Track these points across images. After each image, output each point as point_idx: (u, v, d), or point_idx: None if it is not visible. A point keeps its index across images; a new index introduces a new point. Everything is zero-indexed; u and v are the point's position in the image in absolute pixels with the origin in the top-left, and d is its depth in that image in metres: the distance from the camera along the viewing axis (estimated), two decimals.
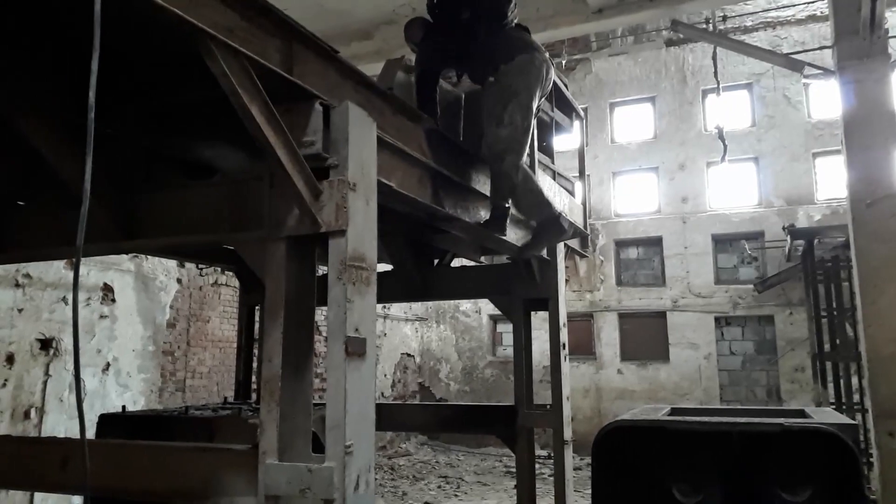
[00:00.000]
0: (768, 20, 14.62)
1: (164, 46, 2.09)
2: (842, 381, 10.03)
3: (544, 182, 5.03)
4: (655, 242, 14.78)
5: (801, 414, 3.04)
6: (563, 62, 15.13)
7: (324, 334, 2.26)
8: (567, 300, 5.18)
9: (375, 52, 7.99)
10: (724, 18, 12.15)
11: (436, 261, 5.51)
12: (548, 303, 4.71)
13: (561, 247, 4.87)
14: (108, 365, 7.30)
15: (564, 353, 4.68)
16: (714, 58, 10.67)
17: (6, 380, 6.19)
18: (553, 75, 4.03)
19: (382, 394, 13.66)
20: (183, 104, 2.62)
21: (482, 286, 5.09)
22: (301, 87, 2.23)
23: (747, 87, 14.72)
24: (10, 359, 6.23)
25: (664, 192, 14.99)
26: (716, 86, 11.64)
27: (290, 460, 2.14)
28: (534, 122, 3.88)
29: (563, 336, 4.68)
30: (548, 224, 3.74)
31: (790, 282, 13.11)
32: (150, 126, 2.75)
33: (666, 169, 15.03)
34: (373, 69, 8.59)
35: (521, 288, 4.79)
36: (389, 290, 5.21)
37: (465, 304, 15.52)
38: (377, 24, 7.87)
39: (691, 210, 14.55)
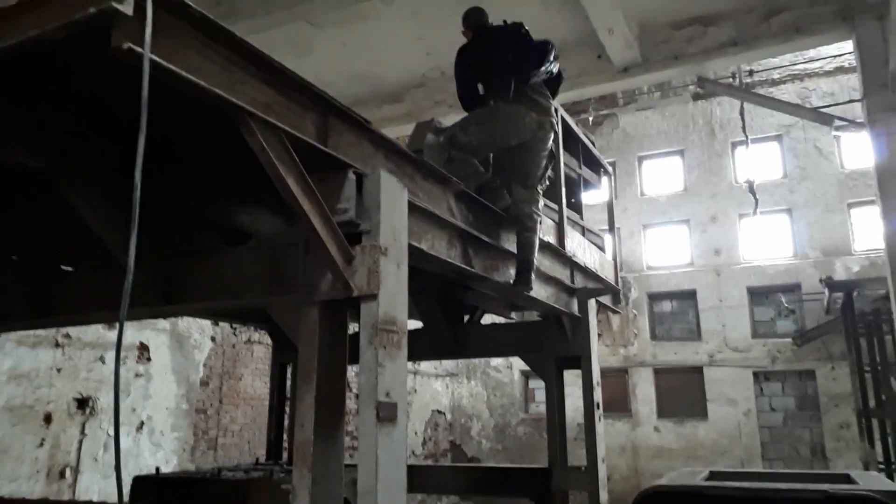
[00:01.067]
0: (795, 73, 14.68)
1: (205, 120, 2.19)
2: (889, 440, 9.61)
3: (573, 238, 5.05)
4: (689, 295, 14.57)
5: (847, 479, 2.93)
6: (590, 118, 15.32)
7: (354, 389, 2.29)
8: (600, 355, 5.11)
9: (406, 114, 8.22)
10: (751, 73, 12.25)
11: (466, 317, 5.52)
12: (580, 361, 4.66)
13: (593, 303, 4.85)
14: (142, 424, 7.36)
15: (599, 412, 4.60)
16: (741, 112, 10.71)
17: (43, 439, 6.28)
18: (552, 133, 4.12)
19: (413, 452, 13.46)
20: (222, 172, 2.73)
21: (513, 343, 5.07)
22: (335, 157, 2.31)
23: (777, 138, 14.69)
24: (48, 418, 6.33)
25: (696, 244, 14.85)
26: (745, 138, 11.65)
27: None
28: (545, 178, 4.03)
29: (597, 395, 4.61)
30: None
31: (830, 335, 12.75)
32: (191, 193, 2.86)
33: (697, 221, 14.92)
34: (403, 130, 8.84)
35: (553, 345, 4.76)
36: (420, 347, 5.22)
37: (497, 360, 15.37)
38: (407, 87, 8.11)
39: (725, 262, 14.37)
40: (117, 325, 1.77)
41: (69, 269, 3.17)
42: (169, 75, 1.71)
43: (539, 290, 4.20)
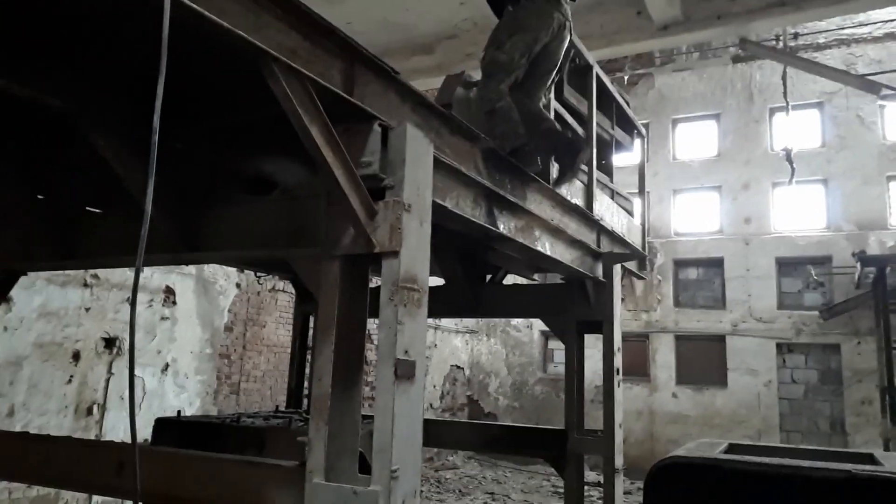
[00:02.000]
0: (842, 38, 14.08)
1: (228, 65, 2.13)
2: None
3: (602, 202, 4.94)
4: (716, 263, 14.36)
5: (870, 459, 2.87)
6: (626, 77, 14.94)
7: (375, 341, 2.27)
8: (622, 320, 5.06)
9: (436, 66, 8.04)
10: (796, 36, 11.78)
11: (488, 277, 5.48)
12: (602, 326, 4.61)
13: (618, 268, 4.77)
14: (166, 366, 7.52)
15: (618, 378, 4.57)
16: (784, 77, 10.32)
17: (72, 376, 6.45)
18: (568, 42, 3.98)
19: (431, 405, 13.66)
20: (247, 121, 2.68)
21: (534, 306, 5.03)
22: (361, 108, 2.25)
23: (818, 105, 14.21)
24: (77, 356, 6.49)
25: (727, 212, 14.57)
26: (784, 104, 11.28)
27: (337, 480, 2.14)
28: (524, 63, 3.80)
29: (618, 361, 4.56)
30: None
31: (859, 310, 12.52)
32: (215, 141, 2.82)
33: (729, 188, 14.61)
34: (433, 83, 8.68)
35: (575, 309, 4.70)
36: (441, 305, 5.20)
37: (517, 319, 15.40)
38: (440, 38, 7.92)
39: (755, 231, 14.09)
40: (147, 266, 1.76)
41: (96, 210, 3.18)
42: (191, 14, 1.65)
43: (564, 253, 4.13)
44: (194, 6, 1.64)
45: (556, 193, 3.97)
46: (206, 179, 2.92)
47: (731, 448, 3.02)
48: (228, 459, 2.55)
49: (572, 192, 4.40)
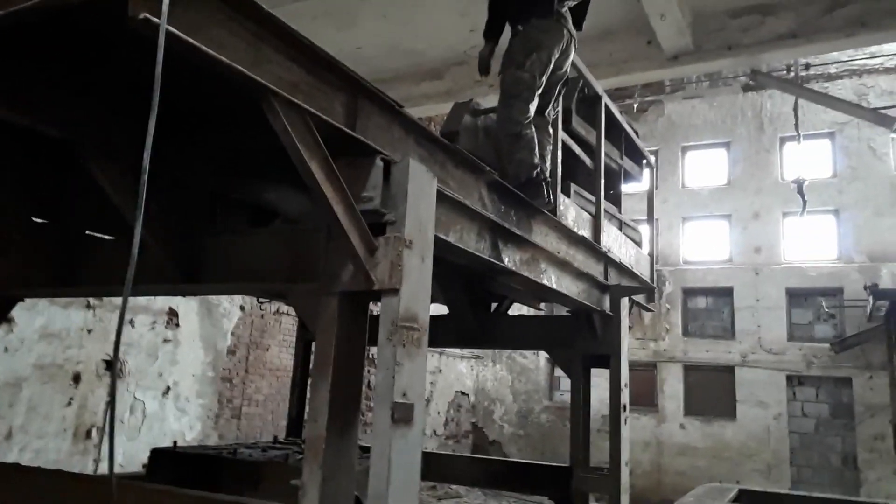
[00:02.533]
0: (854, 68, 14.05)
1: (232, 97, 2.09)
2: None
3: (610, 233, 4.88)
4: (726, 293, 14.21)
5: None
6: (635, 104, 14.94)
7: (374, 367, 2.19)
8: (630, 348, 4.95)
9: (445, 92, 8.04)
10: (807, 66, 11.76)
11: (494, 306, 5.40)
12: (609, 360, 4.51)
13: (625, 301, 4.68)
14: (167, 389, 7.45)
15: (625, 415, 4.46)
16: (795, 109, 10.25)
17: (71, 398, 6.39)
18: (573, 55, 3.98)
19: (434, 432, 13.50)
20: (249, 150, 2.64)
21: (540, 338, 4.94)
22: (363, 142, 2.20)
23: (829, 136, 14.13)
24: (77, 378, 6.43)
25: (736, 241, 14.45)
26: (795, 134, 11.20)
27: None
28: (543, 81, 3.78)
29: (625, 398, 4.46)
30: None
31: (871, 343, 12.32)
32: (216, 168, 2.79)
33: (739, 217, 14.50)
34: (442, 109, 8.67)
35: (582, 343, 4.62)
36: (444, 334, 5.12)
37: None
38: (448, 64, 7.92)
39: (765, 261, 13.95)
40: (144, 296, 1.72)
41: (98, 235, 3.14)
42: (189, 50, 1.61)
43: (570, 286, 4.06)
44: (192, 41, 1.60)
45: (562, 225, 3.92)
46: (207, 208, 2.88)
47: (741, 495, 2.91)
48: (221, 500, 2.47)
49: (579, 223, 4.33)
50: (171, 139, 2.60)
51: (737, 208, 14.55)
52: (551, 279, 3.78)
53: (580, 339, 4.61)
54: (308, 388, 5.33)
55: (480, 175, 3.06)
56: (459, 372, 14.89)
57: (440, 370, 14.00)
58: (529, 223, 3.55)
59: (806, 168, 12.41)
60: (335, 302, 2.24)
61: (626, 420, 4.53)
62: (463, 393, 14.86)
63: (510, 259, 3.30)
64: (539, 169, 3.76)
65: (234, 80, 1.77)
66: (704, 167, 15.45)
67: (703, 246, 14.92)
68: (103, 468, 6.44)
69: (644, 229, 6.34)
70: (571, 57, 4.01)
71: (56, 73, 2.13)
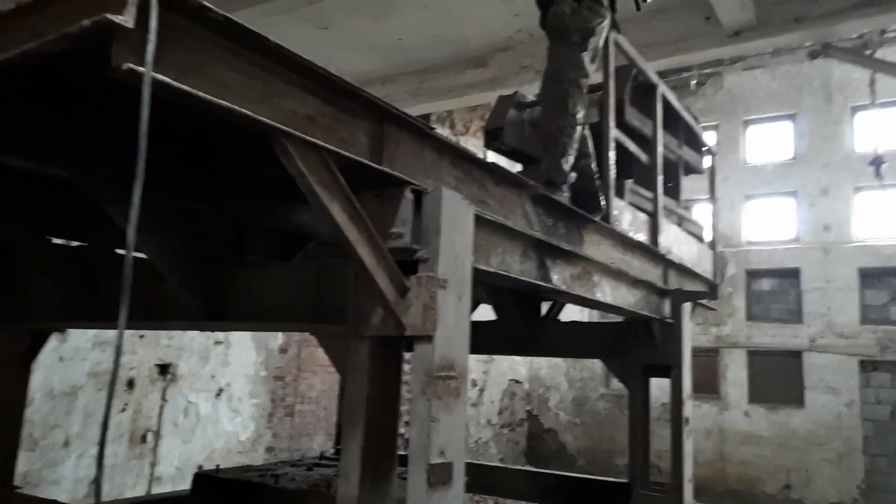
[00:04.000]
0: None
1: (241, 135, 1.91)
2: None
3: (669, 232, 4.55)
4: (792, 274, 13.50)
5: None
6: (693, 80, 14.25)
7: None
8: (691, 333, 4.63)
9: (490, 79, 7.76)
10: (882, 31, 10.89)
11: (546, 308, 5.16)
12: (670, 371, 4.22)
13: (687, 307, 4.37)
14: (220, 390, 7.49)
15: (687, 428, 4.17)
16: (872, 85, 9.45)
17: (126, 404, 6.47)
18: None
19: (489, 421, 13.37)
20: (274, 174, 2.47)
21: (594, 346, 4.67)
22: (390, 174, 1.99)
23: None
24: (131, 384, 6.51)
25: (803, 219, 13.69)
26: (867, 103, 10.44)
27: None
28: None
29: (687, 410, 4.17)
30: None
31: None
32: (243, 197, 2.63)
33: (806, 194, 13.72)
34: (487, 98, 8.38)
35: (639, 351, 4.34)
36: (492, 341, 4.92)
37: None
38: (493, 51, 7.63)
39: (834, 240, 13.18)
40: (167, 330, 1.57)
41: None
42: (182, 95, 1.43)
43: (626, 296, 3.78)
44: (184, 87, 1.41)
45: (616, 232, 3.63)
46: (234, 237, 2.73)
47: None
48: None
49: (636, 226, 4.04)
50: (192, 171, 2.46)
51: (803, 184, 13.76)
52: (605, 292, 3.52)
53: (638, 347, 4.34)
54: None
55: (524, 189, 2.82)
56: (513, 359, 14.66)
57: (493, 359, 13.82)
58: (580, 233, 3.29)
59: (881, 138, 11.55)
60: (366, 347, 2.06)
61: (688, 434, 4.25)
62: (517, 381, 14.65)
63: (559, 276, 3.06)
64: (593, 177, 3.50)
65: (239, 122, 1.58)
66: (768, 142, 14.66)
67: (767, 225, 14.20)
68: (159, 471, 6.54)
69: (705, 209, 5.93)
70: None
71: (55, 112, 1.99)
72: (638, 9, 3.75)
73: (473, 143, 12.78)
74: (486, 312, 5.64)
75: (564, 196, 3.22)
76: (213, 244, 2.61)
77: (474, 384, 12.64)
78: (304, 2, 6.21)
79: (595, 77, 3.63)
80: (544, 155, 3.48)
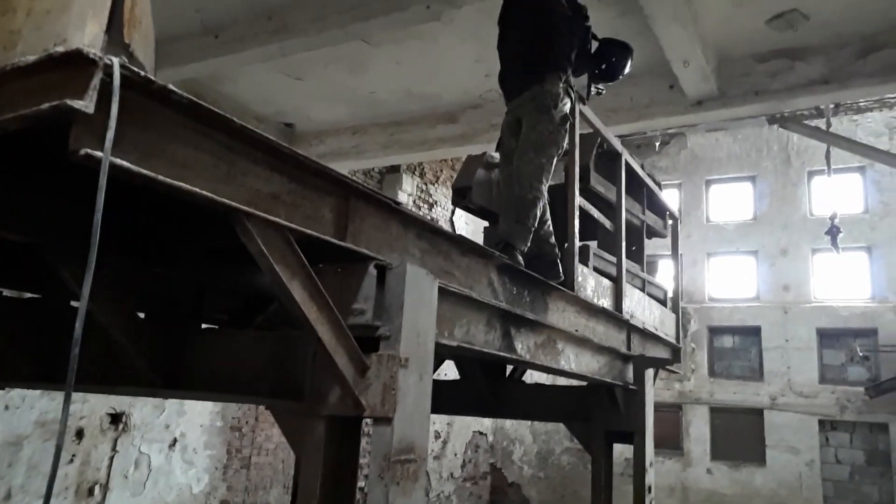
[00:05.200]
0: (884, 99, 13.62)
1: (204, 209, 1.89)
2: None
3: (632, 297, 4.60)
4: (753, 332, 13.72)
5: None
6: (657, 142, 14.66)
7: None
8: (655, 389, 4.64)
9: (461, 135, 7.87)
10: (837, 104, 11.38)
11: (509, 369, 5.13)
12: (633, 437, 4.21)
13: (650, 373, 4.39)
14: (174, 441, 7.24)
15: (650, 497, 4.14)
16: (827, 156, 9.80)
17: (74, 455, 6.20)
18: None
19: (452, 474, 13.12)
20: (234, 244, 2.44)
21: (558, 409, 4.66)
22: (354, 250, 1.98)
23: (860, 170, 13.67)
24: (80, 433, 6.25)
25: (764, 278, 13.99)
26: (823, 168, 10.79)
27: None
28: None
29: (650, 478, 4.15)
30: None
31: None
32: (199, 260, 2.58)
33: (766, 253, 14.06)
34: (457, 152, 8.48)
35: (602, 416, 4.33)
36: (456, 402, 4.87)
37: (544, 379, 14.83)
38: (464, 108, 7.76)
39: (794, 300, 13.47)
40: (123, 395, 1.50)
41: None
42: (140, 179, 1.40)
43: (590, 363, 3.78)
44: (143, 171, 1.39)
45: (580, 299, 3.66)
46: (188, 300, 2.67)
47: None
48: None
49: (599, 292, 4.07)
50: (153, 237, 2.41)
51: (764, 244, 14.12)
52: (569, 359, 3.52)
53: (601, 412, 4.33)
54: None
55: (490, 260, 2.83)
56: None
57: None
58: (545, 301, 3.31)
59: (836, 203, 11.93)
60: (322, 426, 2.00)
61: (651, 501, 4.21)
62: (481, 433, 14.47)
63: (524, 345, 3.05)
64: (552, 243, 3.55)
65: (201, 203, 1.56)
66: (729, 201, 15.06)
67: (729, 283, 14.47)
68: None
69: (668, 265, 6.04)
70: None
71: (10, 175, 1.94)
72: (583, 102, 3.88)
73: (443, 192, 12.88)
74: (449, 372, 5.59)
75: (520, 260, 3.25)
76: (169, 306, 2.55)
77: (437, 436, 12.44)
78: (279, 54, 6.26)
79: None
80: (507, 219, 3.52)
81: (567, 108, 3.58)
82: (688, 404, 13.71)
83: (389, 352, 1.99)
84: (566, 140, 3.61)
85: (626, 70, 4.17)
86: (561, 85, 3.56)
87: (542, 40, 3.65)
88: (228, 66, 6.71)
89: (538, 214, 3.44)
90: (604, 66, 4.08)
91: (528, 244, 3.36)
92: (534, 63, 3.65)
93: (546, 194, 3.50)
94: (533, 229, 3.41)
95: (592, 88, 4.19)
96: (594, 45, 4.06)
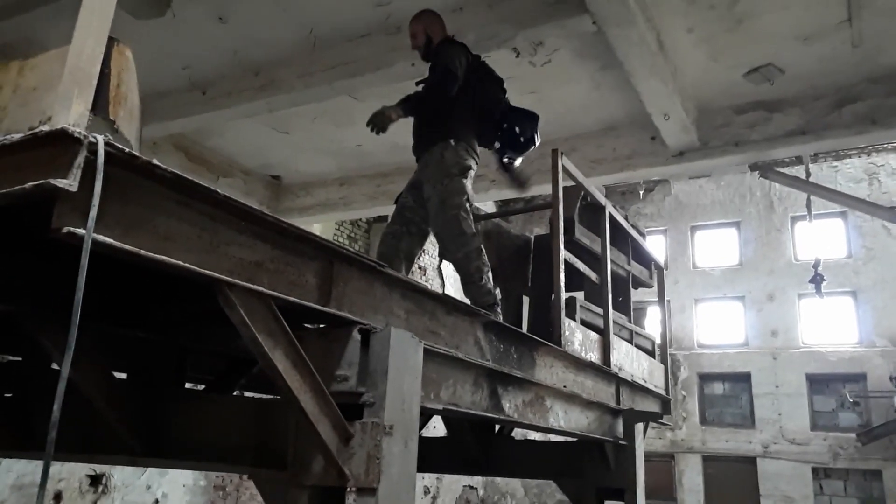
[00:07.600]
0: (863, 146, 13.96)
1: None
2: None
3: (620, 349, 4.59)
4: (743, 378, 13.68)
5: None
6: (642, 190, 14.86)
7: None
8: (646, 437, 4.57)
9: None
10: (815, 153, 11.65)
11: (497, 426, 5.06)
12: (623, 493, 4.14)
13: (640, 427, 4.35)
14: (156, 502, 7.03)
15: None
16: (808, 205, 9.99)
17: None
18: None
19: None
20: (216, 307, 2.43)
21: (548, 466, 4.58)
22: (338, 315, 1.97)
23: (842, 215, 13.90)
24: (58, 497, 6.07)
25: (752, 323, 14.03)
26: (805, 213, 10.95)
27: None
28: None
29: None
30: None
31: None
32: (181, 324, 2.56)
33: (753, 299, 14.13)
34: None
35: (593, 473, 4.25)
36: (444, 460, 4.78)
37: (534, 434, 14.64)
38: None
39: (782, 345, 13.49)
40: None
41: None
42: (123, 254, 1.40)
43: (579, 419, 3.74)
44: (126, 247, 1.39)
45: (568, 354, 3.64)
46: (169, 363, 2.64)
47: None
48: None
49: (587, 346, 4.06)
50: (134, 301, 2.40)
51: (750, 290, 14.20)
52: (558, 416, 3.48)
53: (591, 468, 4.26)
54: None
55: (476, 318, 2.82)
56: None
57: None
58: (532, 357, 3.29)
59: (820, 248, 12.09)
60: (305, 497, 1.96)
61: None
62: (471, 487, 14.16)
63: (511, 405, 3.01)
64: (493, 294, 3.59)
65: (183, 275, 1.55)
66: (715, 247, 15.21)
67: (717, 328, 14.49)
68: None
69: (656, 311, 6.04)
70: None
71: None
72: (506, 170, 3.99)
73: (430, 240, 12.88)
74: (436, 428, 5.51)
75: (499, 313, 3.28)
76: (151, 370, 2.51)
77: (427, 492, 12.17)
78: (266, 109, 6.34)
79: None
80: (466, 287, 3.58)
81: (467, 162, 3.66)
82: (680, 453, 13.55)
83: (373, 419, 1.96)
84: (470, 186, 3.64)
85: (535, 140, 3.99)
86: (460, 147, 3.68)
87: (438, 109, 3.75)
88: (216, 121, 6.78)
89: (480, 265, 3.50)
90: (508, 136, 3.95)
91: (495, 294, 3.40)
92: (434, 126, 3.80)
93: (476, 235, 3.57)
94: (487, 277, 3.47)
95: (505, 158, 4.13)
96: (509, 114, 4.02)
